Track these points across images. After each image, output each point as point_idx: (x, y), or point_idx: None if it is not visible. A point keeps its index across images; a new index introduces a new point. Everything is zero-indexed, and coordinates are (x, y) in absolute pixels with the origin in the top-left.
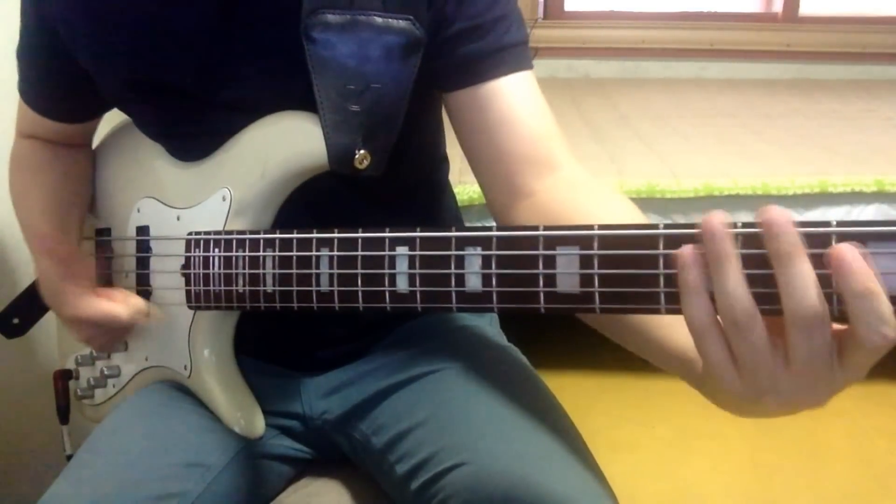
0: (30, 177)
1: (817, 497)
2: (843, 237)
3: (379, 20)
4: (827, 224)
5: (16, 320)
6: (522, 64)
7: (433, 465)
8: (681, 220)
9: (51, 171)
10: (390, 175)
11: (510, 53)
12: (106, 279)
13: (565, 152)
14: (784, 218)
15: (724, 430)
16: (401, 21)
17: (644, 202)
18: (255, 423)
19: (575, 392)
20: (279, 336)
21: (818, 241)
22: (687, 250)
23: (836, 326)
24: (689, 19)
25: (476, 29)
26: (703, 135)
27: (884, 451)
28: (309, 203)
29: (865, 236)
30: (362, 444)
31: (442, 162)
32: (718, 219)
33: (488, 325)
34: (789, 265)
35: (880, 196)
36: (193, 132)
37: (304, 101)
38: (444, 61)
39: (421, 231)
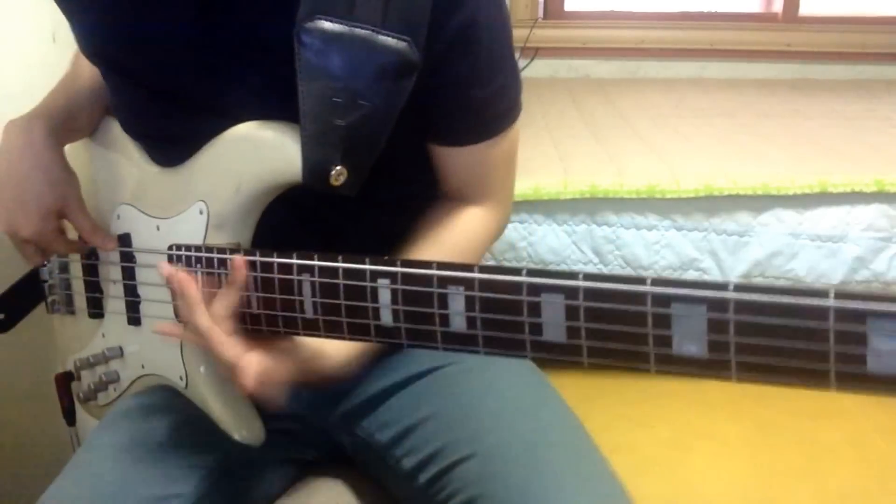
0: (71, 66)
1: (817, 497)
2: (841, 312)
3: (376, 36)
4: (825, 295)
5: (1, 315)
6: (508, 123)
7: (441, 458)
8: (681, 220)
9: (89, 68)
10: (375, 189)
11: (505, 119)
12: (94, 286)
13: (494, 196)
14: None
15: (724, 430)
16: (399, 41)
17: (644, 202)
18: (254, 431)
19: (575, 392)
20: None
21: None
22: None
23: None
24: (689, 19)
25: (479, 101)
26: (703, 135)
27: (884, 451)
28: (294, 214)
29: (865, 313)
30: (365, 441)
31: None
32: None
33: None
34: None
35: (880, 196)
36: (170, 135)
37: (285, 108)
38: (439, 124)
39: (402, 265)
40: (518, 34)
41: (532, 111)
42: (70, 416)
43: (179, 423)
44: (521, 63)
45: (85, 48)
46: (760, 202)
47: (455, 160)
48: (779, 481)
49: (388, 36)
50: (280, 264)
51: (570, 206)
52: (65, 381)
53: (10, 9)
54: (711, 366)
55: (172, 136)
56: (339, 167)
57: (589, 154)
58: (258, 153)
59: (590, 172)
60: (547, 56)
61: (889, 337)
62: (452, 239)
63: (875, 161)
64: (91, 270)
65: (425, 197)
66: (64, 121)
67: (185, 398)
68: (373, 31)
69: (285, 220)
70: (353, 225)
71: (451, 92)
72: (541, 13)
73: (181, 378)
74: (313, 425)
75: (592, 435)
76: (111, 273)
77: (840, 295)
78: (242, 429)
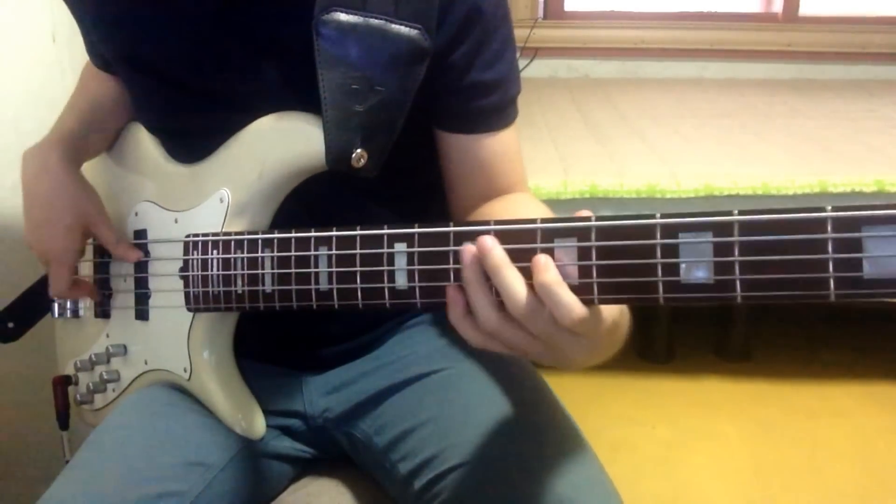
0: (79, 85)
1: (817, 497)
2: (837, 222)
3: (390, 25)
4: (822, 209)
5: (10, 324)
6: (513, 117)
7: (436, 465)
8: None
9: (97, 86)
10: (390, 175)
11: (507, 113)
12: (104, 283)
13: (521, 182)
14: (488, 243)
15: (724, 430)
16: (411, 29)
17: (644, 202)
18: (255, 423)
19: (575, 392)
20: (281, 335)
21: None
22: (467, 256)
23: None
24: (689, 19)
25: (483, 86)
26: (703, 135)
27: (884, 451)
28: (307, 203)
29: (860, 220)
30: (363, 443)
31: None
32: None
33: None
34: (497, 275)
35: (880, 196)
36: (192, 130)
37: (303, 100)
38: (447, 107)
39: (419, 227)
40: (518, 34)
41: (532, 111)
42: (63, 420)
43: (178, 421)
44: (521, 63)
45: (103, 51)
46: (760, 202)
47: (470, 152)
48: (779, 481)
49: (401, 24)
50: (297, 239)
51: (570, 206)
52: (62, 383)
53: (10, 9)
54: (717, 288)
55: (195, 132)
56: (359, 150)
57: (589, 154)
58: (283, 139)
59: (590, 172)
60: (547, 56)
61: (883, 241)
62: (530, 205)
63: (875, 161)
64: (102, 269)
65: (431, 192)
66: (77, 143)
67: (185, 398)
68: (386, 20)
69: (297, 218)
70: (363, 223)
71: (457, 75)
72: (541, 13)
73: (185, 370)
74: (313, 424)
75: (592, 435)
76: (123, 268)
77: (837, 208)
78: (243, 421)
